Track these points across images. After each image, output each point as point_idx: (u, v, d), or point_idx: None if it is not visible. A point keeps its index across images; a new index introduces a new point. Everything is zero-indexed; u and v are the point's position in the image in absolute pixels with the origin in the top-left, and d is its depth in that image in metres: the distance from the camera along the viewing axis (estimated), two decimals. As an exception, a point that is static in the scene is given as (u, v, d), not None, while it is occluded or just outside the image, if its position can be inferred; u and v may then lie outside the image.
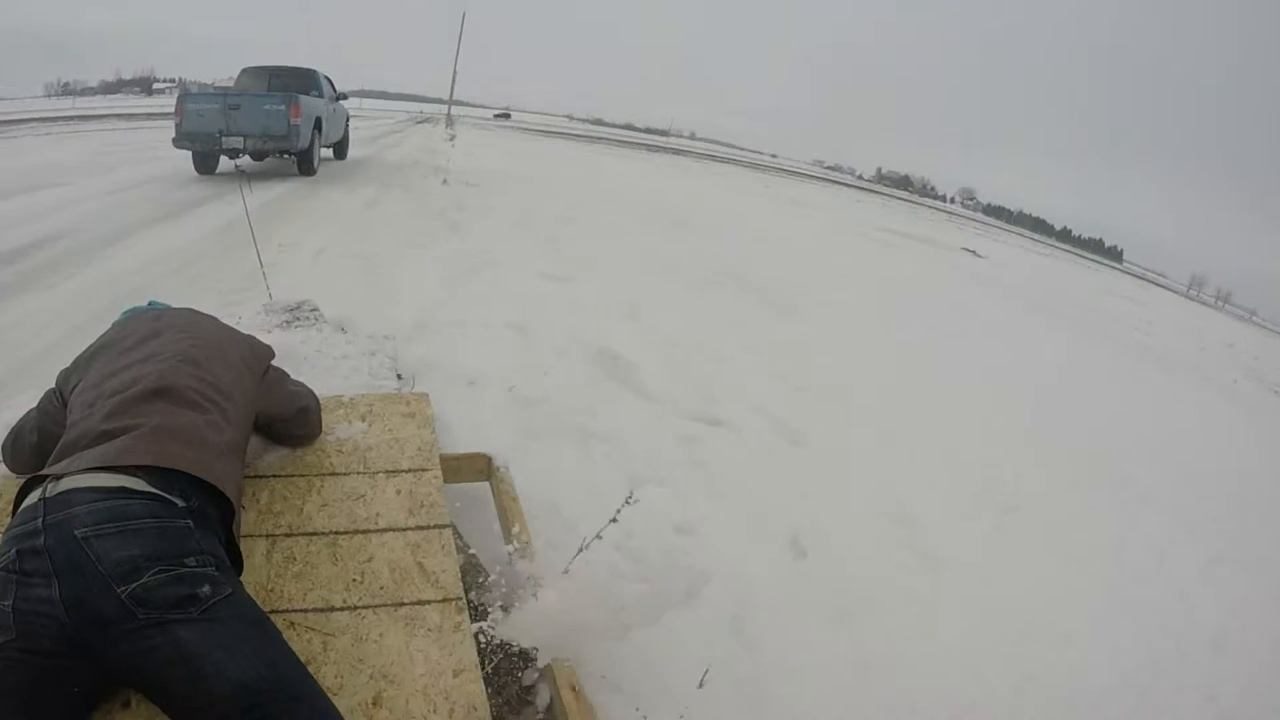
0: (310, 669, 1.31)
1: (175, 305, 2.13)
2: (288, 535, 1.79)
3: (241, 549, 1.53)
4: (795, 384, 4.58)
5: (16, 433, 1.77)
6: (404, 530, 1.84)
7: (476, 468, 2.38)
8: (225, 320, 2.16)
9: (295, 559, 1.71)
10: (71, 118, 26.16)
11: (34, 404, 1.80)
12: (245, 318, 3.50)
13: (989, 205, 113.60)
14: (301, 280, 4.57)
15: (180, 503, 1.30)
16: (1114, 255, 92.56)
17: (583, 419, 3.35)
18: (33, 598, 1.11)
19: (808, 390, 4.53)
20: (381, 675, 1.44)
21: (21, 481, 1.41)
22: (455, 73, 37.32)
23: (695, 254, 8.57)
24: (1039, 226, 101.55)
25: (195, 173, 9.23)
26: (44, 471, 1.31)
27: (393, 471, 2.07)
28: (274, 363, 2.07)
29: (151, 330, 1.77)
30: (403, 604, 1.61)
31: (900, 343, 6.46)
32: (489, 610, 1.80)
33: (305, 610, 1.57)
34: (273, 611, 1.49)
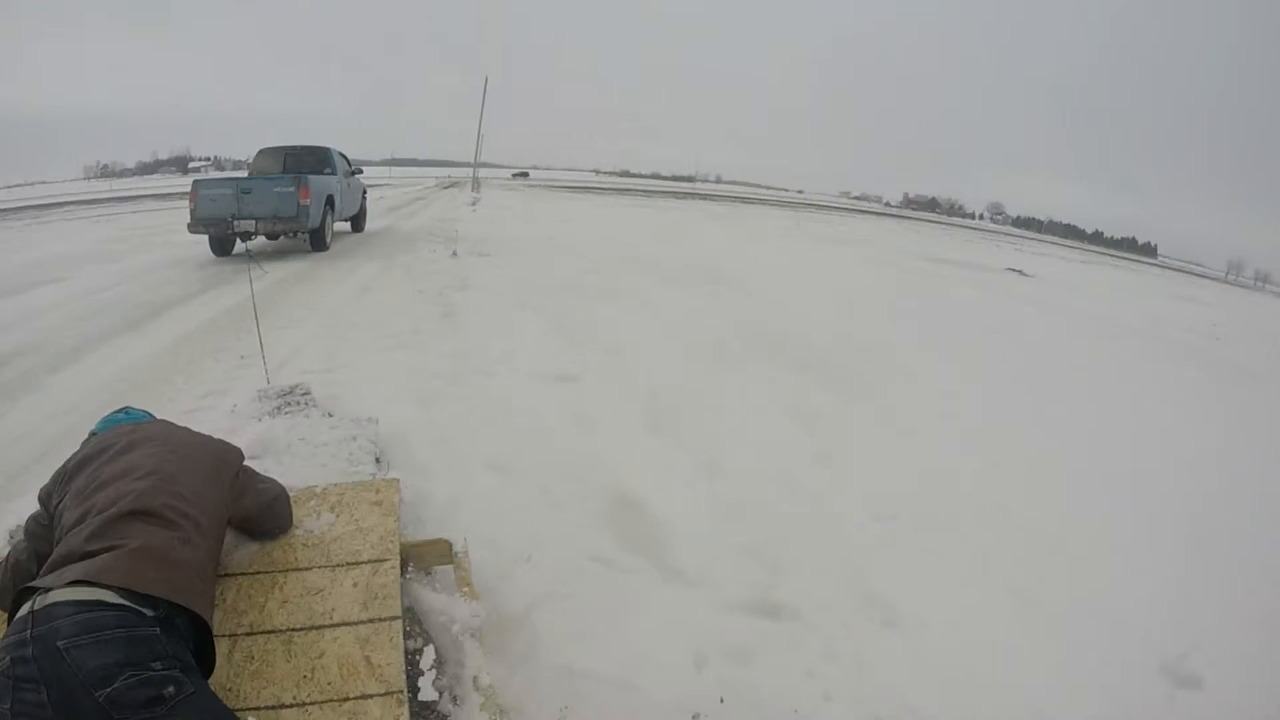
0: None
1: (146, 410, 2.34)
2: (249, 634, 1.88)
3: (205, 648, 1.65)
4: (891, 516, 3.46)
5: (13, 566, 1.86)
6: (356, 624, 1.91)
7: (439, 552, 2.45)
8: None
9: (254, 657, 1.81)
10: (107, 199, 27.65)
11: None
12: (240, 404, 3.73)
13: (1018, 218, 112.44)
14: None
15: (149, 613, 1.45)
16: (1148, 251, 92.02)
17: (578, 651, 2.35)
18: (28, 701, 1.28)
19: (912, 524, 3.41)
20: None
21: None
22: (480, 136, 37.90)
23: (732, 317, 7.63)
24: (1070, 233, 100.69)
25: (211, 255, 9.73)
26: (33, 584, 1.47)
27: (353, 564, 2.14)
28: (247, 461, 2.23)
29: (128, 443, 1.92)
30: (347, 699, 1.68)
31: (1005, 430, 5.11)
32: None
33: (259, 708, 1.66)
34: (234, 709, 1.59)
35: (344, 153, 12.31)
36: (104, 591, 1.44)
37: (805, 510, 3.46)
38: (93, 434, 2.12)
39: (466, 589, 2.28)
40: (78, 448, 2.01)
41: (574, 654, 2.32)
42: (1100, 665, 2.55)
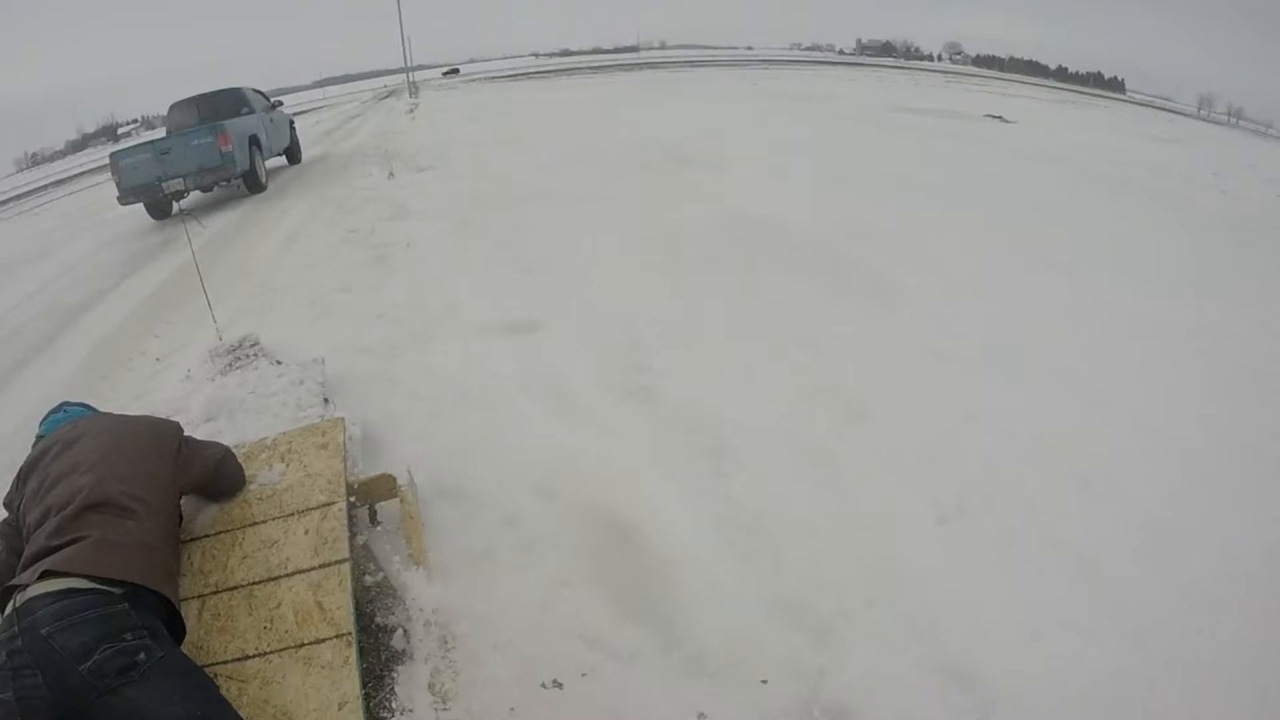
0: None
1: (84, 403, 2.44)
2: (215, 593, 1.99)
3: (182, 612, 1.83)
4: (962, 513, 2.66)
5: None
6: (308, 571, 1.98)
7: (385, 487, 2.47)
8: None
9: (220, 614, 1.92)
10: (45, 185, 26.95)
11: None
12: (193, 368, 3.82)
13: (978, 57, 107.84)
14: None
15: (117, 591, 1.62)
16: (1116, 86, 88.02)
17: None
18: (26, 686, 1.46)
19: (995, 530, 2.59)
20: (282, 713, 1.63)
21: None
22: (405, 38, 35.87)
23: (707, 209, 6.66)
24: (1033, 69, 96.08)
25: (145, 224, 9.52)
26: (12, 583, 1.66)
27: (304, 511, 2.20)
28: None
29: (69, 440, 2.04)
30: (302, 645, 1.77)
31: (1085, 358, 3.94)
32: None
33: (226, 661, 1.78)
34: (203, 665, 1.72)
35: (258, 88, 11.91)
36: (73, 580, 1.60)
37: (850, 519, 2.61)
38: (39, 437, 2.23)
39: (411, 521, 2.34)
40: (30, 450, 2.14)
41: None
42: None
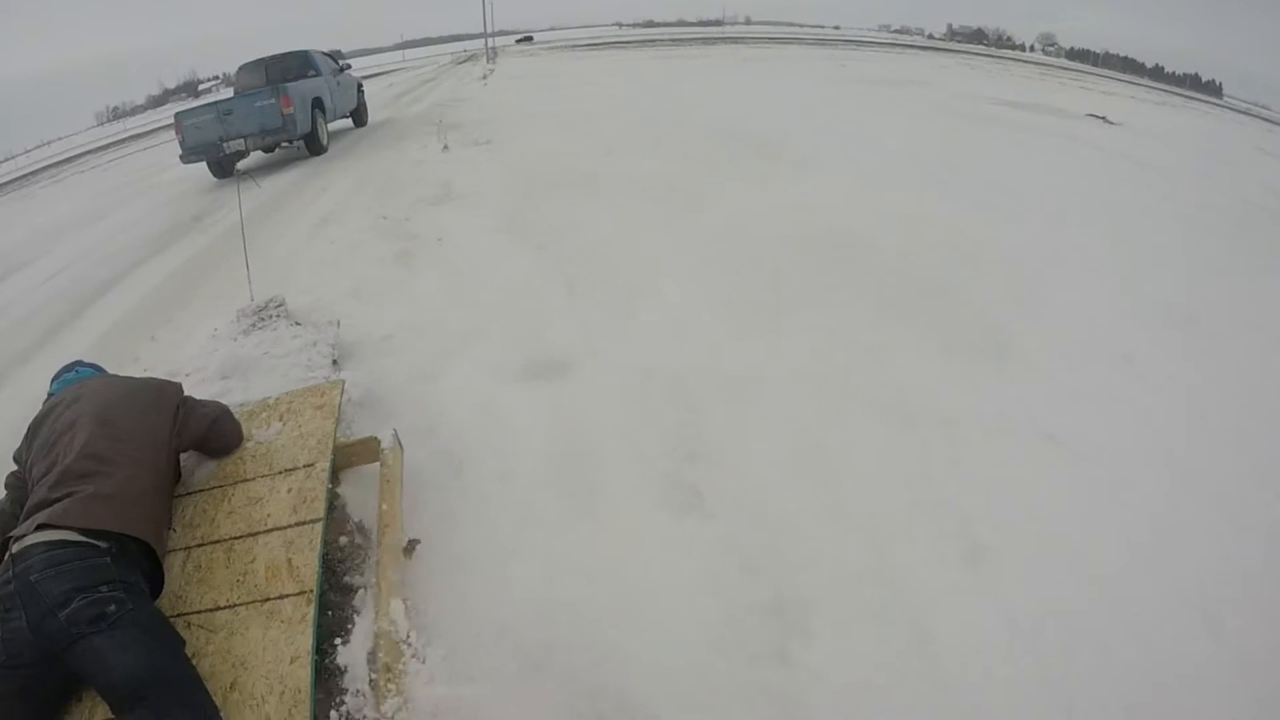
0: (195, 660, 1.73)
1: (95, 364, 2.63)
2: (200, 545, 2.08)
3: (167, 563, 2.00)
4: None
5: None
6: (284, 529, 2.04)
7: (370, 450, 2.49)
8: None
9: (201, 566, 2.01)
10: (123, 139, 28.33)
11: None
12: (220, 327, 3.89)
13: (1072, 49, 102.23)
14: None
15: (103, 545, 1.78)
16: (1213, 90, 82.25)
17: None
18: (12, 627, 1.63)
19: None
20: (241, 664, 1.72)
21: None
22: (487, 3, 35.36)
23: (787, 216, 5.64)
24: (1128, 66, 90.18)
25: (205, 183, 9.86)
26: (12, 534, 1.83)
27: (290, 470, 2.26)
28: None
29: (75, 398, 2.19)
30: (268, 599, 1.85)
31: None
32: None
33: (200, 611, 1.88)
34: (179, 615, 1.87)
35: (328, 51, 12.16)
36: (66, 532, 1.76)
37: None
38: (50, 394, 2.39)
39: (386, 484, 2.33)
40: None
41: None
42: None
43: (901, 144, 9.16)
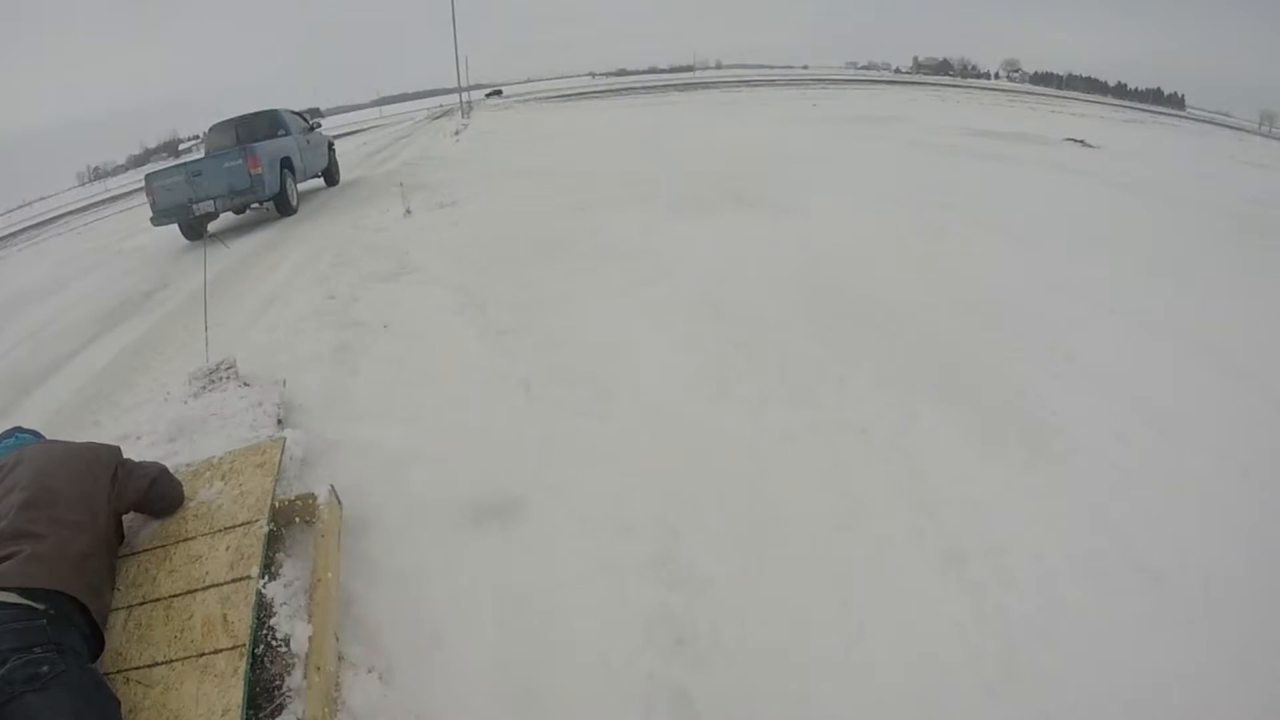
0: (132, 715, 1.79)
1: (34, 430, 2.68)
2: (140, 604, 2.12)
3: (110, 621, 2.07)
4: None
5: None
6: (221, 585, 2.07)
7: (306, 507, 2.49)
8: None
9: (141, 624, 2.05)
10: (102, 200, 28.49)
11: None
12: (173, 390, 3.94)
13: (1036, 73, 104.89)
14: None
15: (40, 607, 1.81)
16: (1176, 103, 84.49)
17: None
18: None
19: None
20: (175, 718, 1.75)
21: None
22: (461, 58, 35.58)
23: (778, 270, 5.19)
24: (1092, 86, 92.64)
25: (163, 250, 9.84)
26: None
27: (229, 528, 2.29)
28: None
29: (14, 462, 2.24)
30: (203, 654, 1.89)
31: None
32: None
33: (139, 667, 1.92)
34: (119, 670, 1.92)
35: (297, 110, 12.21)
36: (4, 594, 1.80)
37: None
38: None
39: (321, 539, 2.34)
40: None
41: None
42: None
43: (887, 184, 8.88)
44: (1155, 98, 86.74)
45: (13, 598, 1.79)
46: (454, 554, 2.54)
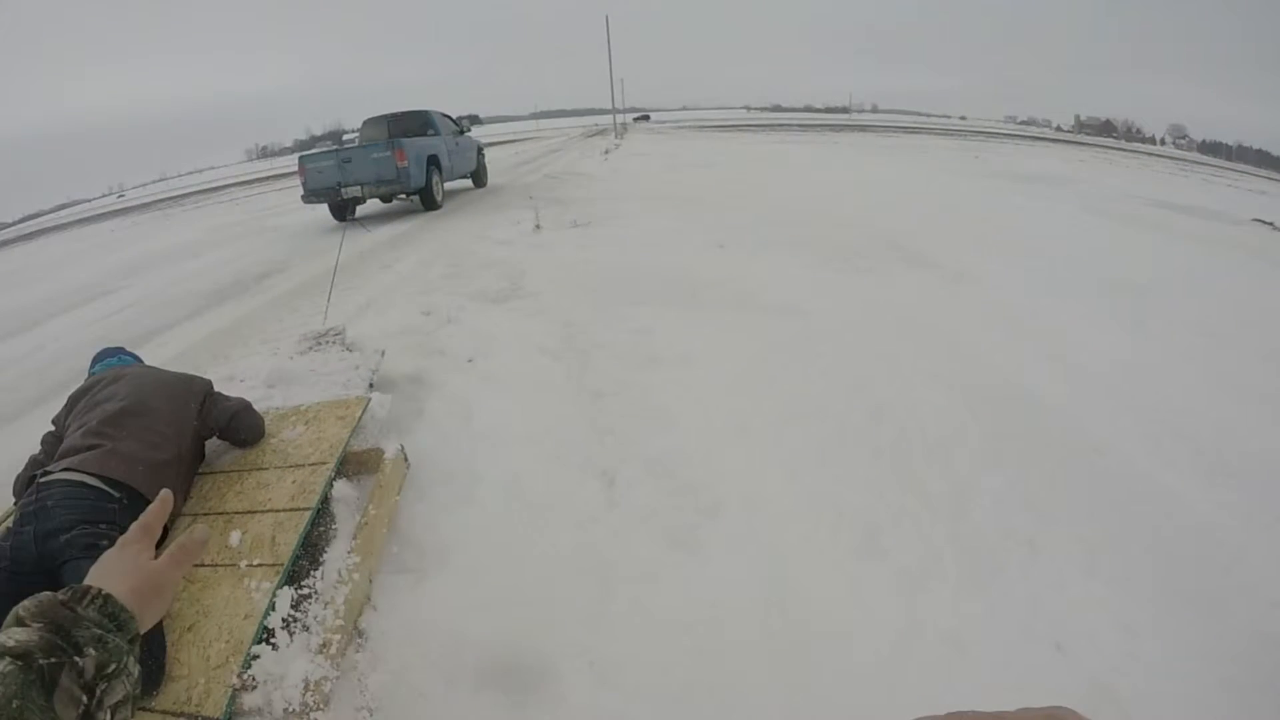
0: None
1: (135, 353, 3.04)
2: (205, 515, 2.35)
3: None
4: None
5: (31, 461, 2.51)
6: (278, 512, 2.27)
7: (374, 460, 2.64)
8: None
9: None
10: (266, 177, 30.73)
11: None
12: (283, 348, 4.18)
13: (1203, 142, 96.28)
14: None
15: (114, 494, 2.08)
16: None
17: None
18: (23, 535, 1.94)
19: None
20: (204, 612, 1.90)
21: None
22: (615, 81, 36.43)
23: (945, 359, 4.06)
24: (1263, 160, 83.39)
25: (310, 230, 10.70)
26: (43, 471, 2.14)
27: (299, 465, 2.50)
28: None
29: (115, 377, 2.56)
30: (242, 564, 2.06)
31: None
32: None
33: None
34: None
35: (449, 113, 12.81)
36: (87, 476, 2.08)
37: None
38: (91, 373, 2.81)
39: (379, 490, 2.46)
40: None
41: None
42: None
43: (1062, 250, 7.55)
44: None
45: (93, 480, 2.06)
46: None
